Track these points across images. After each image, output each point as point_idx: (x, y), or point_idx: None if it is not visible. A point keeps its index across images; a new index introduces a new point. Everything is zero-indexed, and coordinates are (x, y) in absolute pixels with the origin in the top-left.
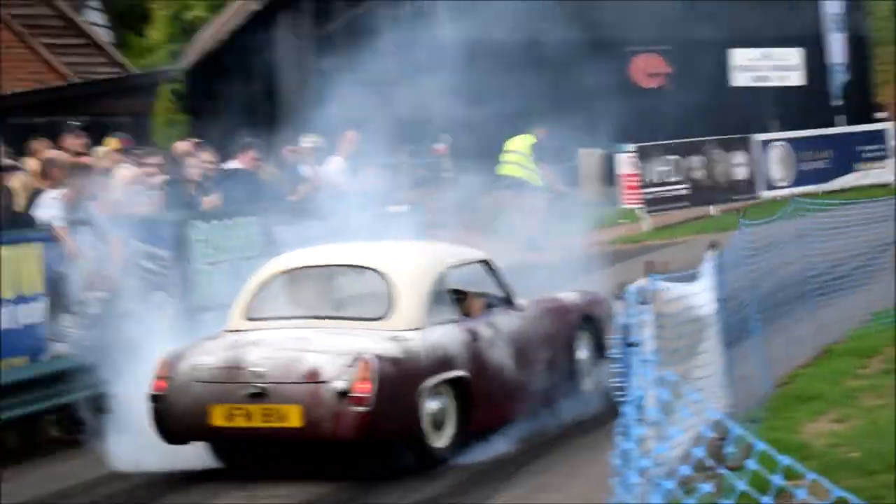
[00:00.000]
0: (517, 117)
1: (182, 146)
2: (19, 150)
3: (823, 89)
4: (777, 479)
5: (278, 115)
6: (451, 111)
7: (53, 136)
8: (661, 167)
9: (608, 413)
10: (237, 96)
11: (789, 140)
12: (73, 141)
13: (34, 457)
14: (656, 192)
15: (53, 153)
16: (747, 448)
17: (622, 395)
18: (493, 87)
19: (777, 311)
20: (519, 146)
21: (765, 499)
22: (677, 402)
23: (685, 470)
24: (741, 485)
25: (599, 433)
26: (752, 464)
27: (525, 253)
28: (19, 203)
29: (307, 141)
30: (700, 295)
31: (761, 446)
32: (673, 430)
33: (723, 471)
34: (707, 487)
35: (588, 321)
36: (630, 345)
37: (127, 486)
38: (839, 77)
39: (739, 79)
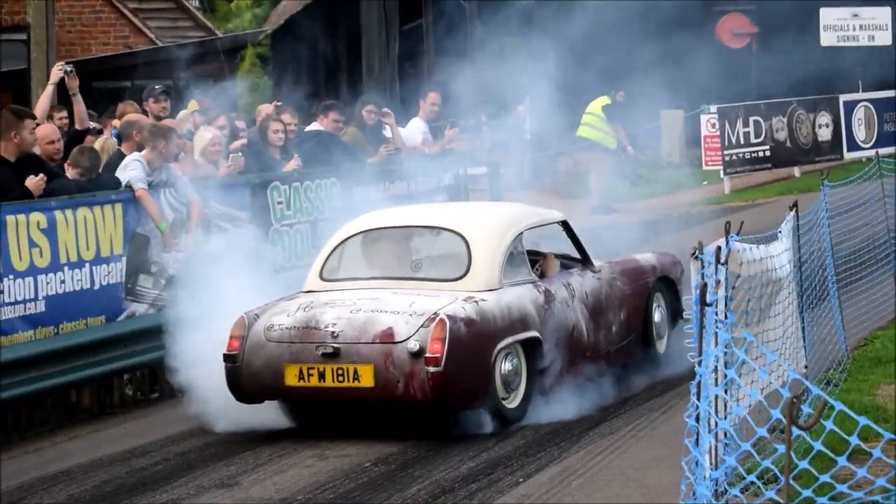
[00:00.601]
0: (600, 78)
1: (265, 109)
2: (105, 114)
3: None
4: (853, 440)
5: (362, 78)
6: (533, 72)
7: (138, 99)
8: (743, 128)
9: (681, 374)
10: (321, 59)
11: (874, 101)
12: (156, 104)
13: (109, 416)
14: (738, 153)
15: (135, 116)
16: (823, 408)
17: (697, 356)
18: (576, 49)
19: (856, 273)
20: (595, 108)
21: (841, 458)
22: (752, 363)
23: (761, 431)
24: (817, 445)
25: (672, 395)
26: (828, 424)
27: (600, 214)
28: (102, 165)
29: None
30: (778, 256)
31: (838, 406)
32: (749, 391)
33: (797, 431)
34: (782, 448)
35: (664, 282)
36: (706, 305)
37: (200, 444)
38: None
39: (827, 38)
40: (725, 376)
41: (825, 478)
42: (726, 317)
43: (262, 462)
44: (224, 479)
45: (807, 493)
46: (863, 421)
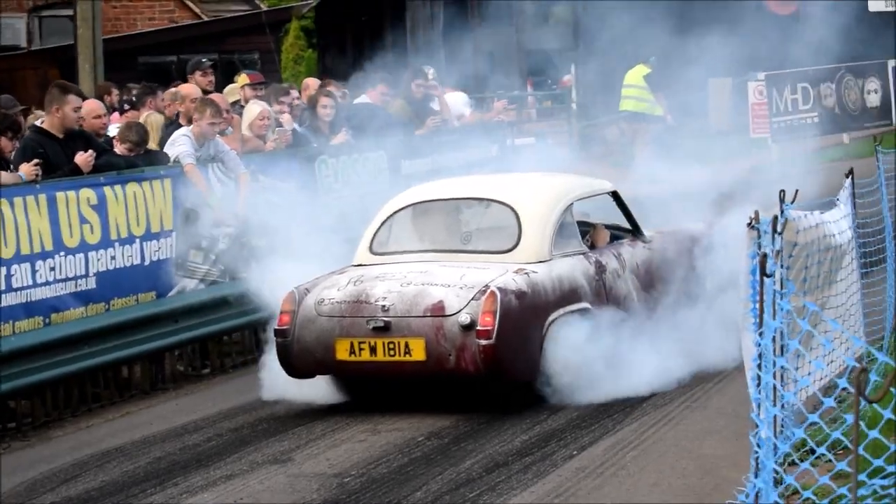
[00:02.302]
0: (645, 46)
1: (312, 83)
2: (152, 88)
3: None
4: None
5: (408, 50)
6: (581, 41)
7: (184, 73)
8: (791, 95)
9: (735, 345)
10: (365, 31)
11: None
12: (203, 78)
13: (160, 392)
14: (787, 120)
15: (185, 90)
16: (893, 377)
17: (757, 328)
18: (623, 17)
19: None
20: (635, 79)
21: None
22: (818, 334)
23: (828, 402)
24: (888, 413)
25: (726, 366)
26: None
27: (649, 184)
28: (152, 139)
29: (432, 73)
30: (837, 223)
31: None
32: (815, 363)
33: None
34: (850, 418)
35: (716, 251)
36: (766, 276)
37: (252, 420)
38: None
39: (875, 4)
40: (784, 348)
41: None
42: (782, 286)
43: (314, 437)
44: (277, 455)
45: (878, 462)
46: None
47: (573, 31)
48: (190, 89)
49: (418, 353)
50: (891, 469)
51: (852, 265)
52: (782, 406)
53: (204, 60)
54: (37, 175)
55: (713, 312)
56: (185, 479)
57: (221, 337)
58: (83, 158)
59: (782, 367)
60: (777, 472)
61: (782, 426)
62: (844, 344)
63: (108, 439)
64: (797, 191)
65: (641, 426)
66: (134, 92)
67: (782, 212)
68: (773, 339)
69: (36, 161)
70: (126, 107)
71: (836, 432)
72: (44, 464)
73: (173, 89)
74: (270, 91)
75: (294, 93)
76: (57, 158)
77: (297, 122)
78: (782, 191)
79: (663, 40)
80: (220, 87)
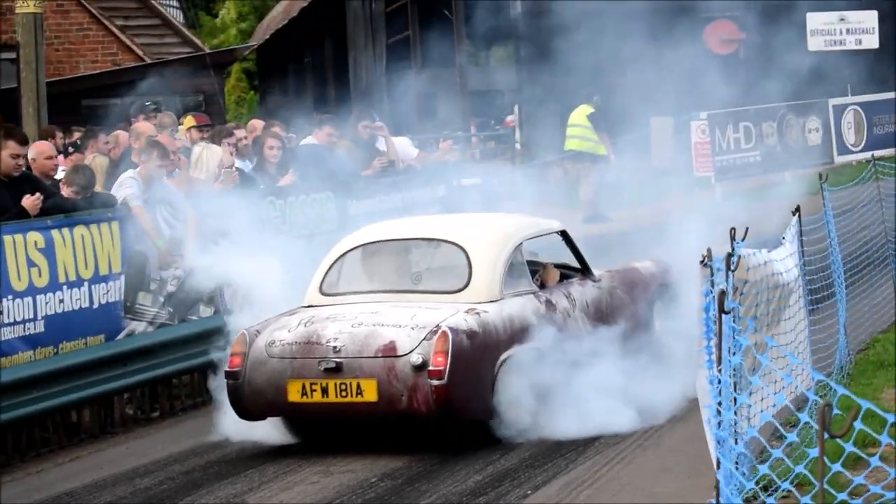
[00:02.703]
0: (589, 86)
1: (257, 124)
2: (94, 131)
3: None
4: (884, 438)
5: (349, 91)
6: (521, 82)
7: (128, 116)
8: (734, 134)
9: (685, 383)
10: (307, 73)
11: (863, 104)
12: (146, 121)
13: (110, 436)
14: (730, 158)
15: (141, 127)
16: (857, 413)
17: (714, 365)
18: (563, 56)
19: (856, 276)
20: (579, 119)
21: (873, 459)
22: (778, 369)
23: (791, 437)
24: (849, 446)
25: (678, 404)
26: (857, 424)
27: (594, 224)
28: (98, 183)
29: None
30: (783, 261)
31: (865, 405)
32: (775, 396)
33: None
34: (812, 452)
35: (665, 290)
36: (724, 312)
37: (203, 462)
38: None
39: (814, 43)
40: (737, 385)
41: (860, 479)
42: (736, 322)
43: (267, 479)
44: (230, 498)
45: (842, 496)
46: (891, 418)
47: (515, 72)
48: (146, 127)
49: (370, 394)
50: (855, 503)
51: (799, 303)
52: (742, 442)
53: (147, 103)
54: None
55: (663, 350)
56: None
57: (171, 380)
58: (30, 201)
59: (740, 403)
60: None
61: (737, 463)
62: (799, 378)
63: (59, 484)
64: (747, 228)
65: (595, 465)
66: (77, 135)
67: (733, 249)
68: (730, 376)
69: None
70: (70, 150)
71: (800, 466)
72: None
73: (116, 132)
74: (216, 132)
75: (239, 133)
76: (3, 201)
77: (245, 163)
78: (733, 228)
79: (606, 79)
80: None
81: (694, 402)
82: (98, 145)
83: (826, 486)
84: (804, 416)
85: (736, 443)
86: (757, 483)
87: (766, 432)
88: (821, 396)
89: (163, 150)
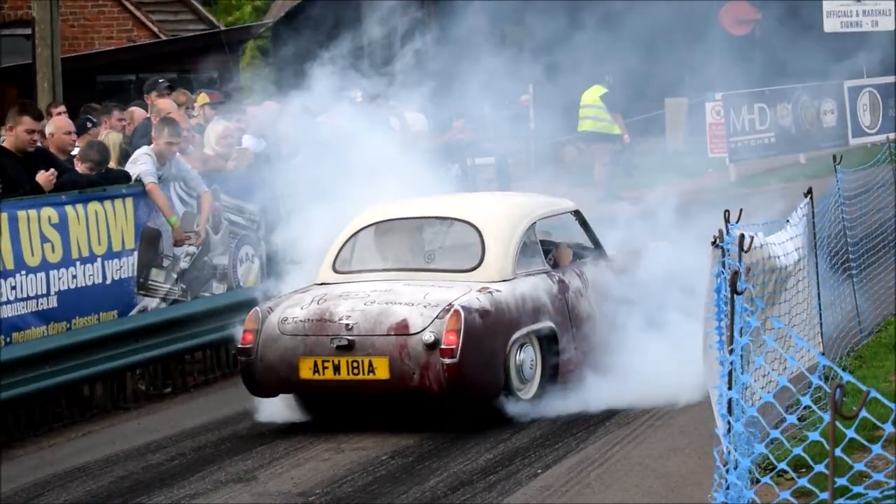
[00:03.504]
0: (602, 67)
1: (273, 106)
2: (109, 107)
3: None
4: (888, 427)
5: (366, 69)
6: (538, 61)
7: (143, 93)
8: (748, 115)
9: (694, 362)
10: (323, 51)
11: (878, 86)
12: (160, 98)
13: (122, 411)
14: (743, 140)
15: (161, 104)
16: (866, 398)
17: (725, 345)
18: (581, 36)
19: (869, 259)
20: (592, 99)
21: (875, 447)
22: (783, 351)
23: (790, 418)
24: (850, 432)
25: (688, 384)
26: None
27: (607, 203)
28: (112, 159)
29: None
30: (782, 244)
31: (872, 394)
32: (779, 378)
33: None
34: (812, 435)
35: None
36: (737, 293)
37: (215, 439)
38: None
39: (830, 25)
40: (745, 366)
41: (860, 466)
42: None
43: (278, 456)
44: (241, 474)
45: (841, 481)
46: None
47: (531, 52)
48: (166, 104)
49: (382, 372)
50: (857, 489)
51: (798, 286)
52: (741, 422)
53: (160, 81)
54: None
55: (674, 331)
56: (149, 498)
57: (183, 356)
58: (45, 177)
59: (744, 384)
60: (745, 489)
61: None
62: (803, 360)
63: (71, 458)
64: (741, 210)
65: (605, 444)
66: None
67: (728, 231)
68: (741, 357)
69: None
70: (88, 125)
71: (798, 449)
72: (6, 483)
73: (131, 109)
74: (229, 109)
75: (252, 110)
76: (18, 177)
77: (258, 141)
78: (727, 210)
79: (620, 60)
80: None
81: (702, 381)
82: (112, 121)
83: (824, 470)
84: (805, 400)
85: (737, 421)
86: (759, 465)
87: (768, 412)
88: (825, 379)
89: (174, 127)
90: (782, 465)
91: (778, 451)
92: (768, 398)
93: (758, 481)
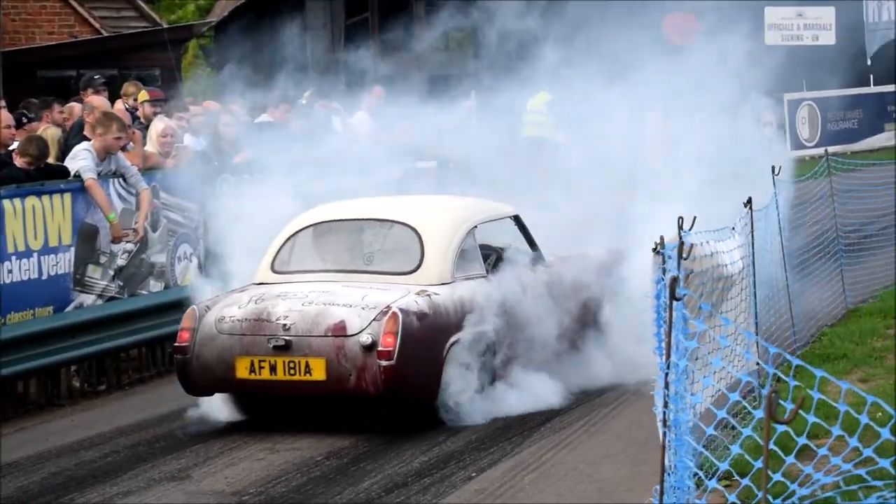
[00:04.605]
0: (544, 74)
1: (212, 105)
2: (48, 102)
3: (857, 49)
4: (836, 430)
5: (307, 71)
6: (478, 67)
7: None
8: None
9: (631, 369)
10: (265, 51)
11: (817, 100)
12: (95, 94)
13: (56, 408)
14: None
15: (95, 101)
16: (802, 401)
17: (662, 351)
18: (523, 43)
19: (805, 270)
20: (536, 105)
21: (822, 450)
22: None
23: (742, 427)
24: (801, 440)
25: (623, 389)
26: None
27: (545, 211)
28: (51, 154)
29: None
30: (730, 253)
31: (816, 397)
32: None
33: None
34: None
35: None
36: (676, 299)
37: (149, 437)
38: (879, 36)
39: (771, 37)
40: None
41: (808, 469)
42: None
43: (212, 455)
44: (175, 472)
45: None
46: (842, 408)
47: (473, 57)
48: (100, 101)
49: (319, 373)
50: (803, 492)
51: (742, 295)
52: (686, 427)
53: (96, 77)
54: None
55: (611, 336)
56: (81, 495)
57: (118, 353)
58: None
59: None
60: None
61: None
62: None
63: (3, 454)
64: (695, 218)
65: (540, 449)
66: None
67: (681, 238)
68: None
69: None
70: (24, 120)
71: (734, 446)
72: None
73: (71, 104)
74: (171, 108)
75: (194, 109)
76: None
77: (198, 140)
78: (680, 217)
79: (561, 68)
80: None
81: (638, 388)
82: (52, 115)
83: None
84: (734, 395)
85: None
86: (700, 468)
87: (707, 419)
88: (762, 385)
89: (121, 123)
90: (724, 466)
91: (716, 453)
92: (698, 399)
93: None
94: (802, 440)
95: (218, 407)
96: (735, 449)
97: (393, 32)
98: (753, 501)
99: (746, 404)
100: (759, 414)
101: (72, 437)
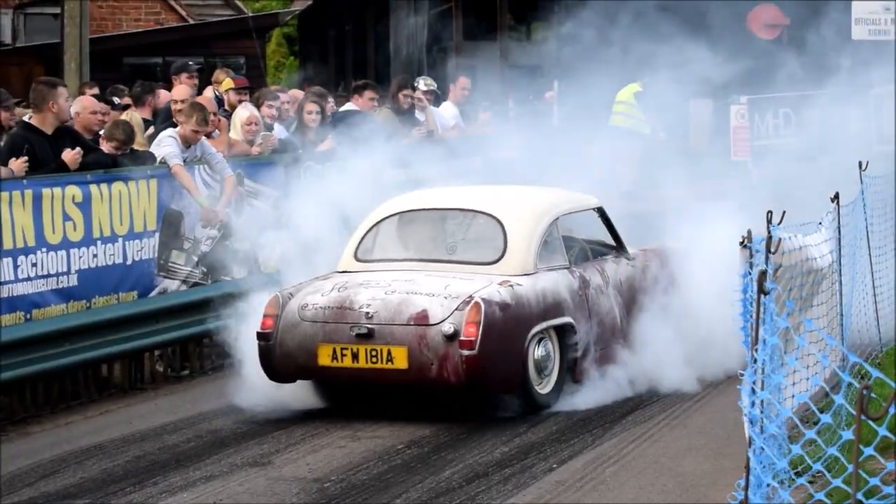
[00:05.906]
0: (630, 67)
1: (297, 94)
2: (152, 87)
3: None
4: None
5: (389, 60)
6: (562, 59)
7: (169, 76)
8: (773, 119)
9: (715, 364)
10: (348, 41)
11: None
12: (188, 81)
13: (139, 392)
14: (767, 143)
15: (177, 92)
16: (894, 396)
17: (750, 345)
18: (607, 36)
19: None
20: (625, 96)
21: None
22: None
23: (826, 418)
24: (882, 430)
25: (705, 383)
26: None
27: (630, 202)
28: (138, 140)
29: (422, 84)
30: (818, 247)
31: None
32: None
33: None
34: (848, 434)
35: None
36: (764, 293)
37: (231, 422)
38: None
39: (858, 32)
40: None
41: (891, 465)
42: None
43: (294, 441)
44: (257, 458)
45: (874, 481)
46: None
47: (556, 49)
48: (182, 91)
49: (400, 362)
50: (888, 490)
51: (831, 290)
52: (775, 423)
53: (190, 63)
54: (25, 171)
55: (695, 330)
56: (164, 478)
57: (201, 339)
58: (71, 156)
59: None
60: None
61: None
62: (834, 361)
63: (87, 437)
64: (784, 212)
65: (621, 442)
66: (135, 90)
67: (769, 232)
68: (769, 357)
69: (24, 158)
70: (114, 103)
71: (833, 448)
72: (22, 459)
73: (157, 90)
74: (260, 95)
75: (283, 97)
76: (44, 155)
77: (281, 128)
78: (770, 211)
79: (646, 60)
80: (200, 90)
81: (720, 383)
82: (154, 101)
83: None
84: (839, 398)
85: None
86: (789, 464)
87: (799, 413)
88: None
89: (203, 115)
90: (818, 466)
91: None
92: (803, 398)
93: (792, 482)
94: (883, 430)
95: (300, 394)
96: (831, 451)
97: (476, 22)
98: (847, 502)
99: (843, 400)
100: (826, 419)
101: (155, 421)
